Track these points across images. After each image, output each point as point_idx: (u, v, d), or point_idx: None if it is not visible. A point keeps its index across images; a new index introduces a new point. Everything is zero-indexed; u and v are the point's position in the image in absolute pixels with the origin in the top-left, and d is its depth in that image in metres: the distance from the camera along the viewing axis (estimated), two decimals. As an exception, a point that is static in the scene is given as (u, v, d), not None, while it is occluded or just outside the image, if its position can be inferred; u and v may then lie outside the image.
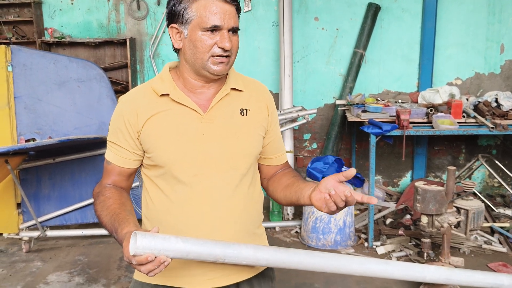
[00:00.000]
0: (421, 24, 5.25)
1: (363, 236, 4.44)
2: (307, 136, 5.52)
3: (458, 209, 3.39)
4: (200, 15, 1.43)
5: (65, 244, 4.40)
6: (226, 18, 1.44)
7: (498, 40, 5.24)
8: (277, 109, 5.06)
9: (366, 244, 4.30)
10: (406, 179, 5.59)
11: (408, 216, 4.76)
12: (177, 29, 1.48)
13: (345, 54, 5.33)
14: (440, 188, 3.25)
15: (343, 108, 5.01)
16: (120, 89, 5.16)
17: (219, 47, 1.45)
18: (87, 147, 4.31)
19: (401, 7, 5.26)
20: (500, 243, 4.28)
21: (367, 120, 4.25)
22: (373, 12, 5.18)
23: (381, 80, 5.38)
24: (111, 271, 3.90)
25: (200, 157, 1.52)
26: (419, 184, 3.35)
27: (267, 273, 1.69)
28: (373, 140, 4.05)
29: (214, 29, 1.44)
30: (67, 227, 4.55)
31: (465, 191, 3.52)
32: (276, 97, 5.21)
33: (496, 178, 5.36)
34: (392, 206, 5.00)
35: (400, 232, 4.43)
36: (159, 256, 1.26)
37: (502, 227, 4.49)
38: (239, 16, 1.50)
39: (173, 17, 1.48)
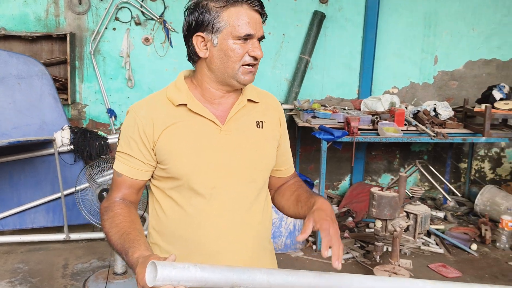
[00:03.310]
0: (363, 34, 5.46)
1: (311, 239, 4.54)
2: (251, 140, 5.54)
3: (408, 214, 3.56)
4: (232, 24, 1.41)
5: (1, 251, 4.09)
6: (257, 27, 1.44)
7: (432, 52, 5.57)
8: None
9: (314, 247, 4.40)
10: (345, 183, 5.78)
11: (350, 219, 4.94)
12: (203, 37, 1.44)
13: (291, 59, 5.41)
14: (394, 194, 3.40)
15: (290, 113, 5.09)
16: (58, 86, 4.87)
17: (251, 56, 1.44)
18: (27, 148, 4.04)
19: (345, 17, 5.44)
20: (437, 244, 4.56)
21: (318, 126, 4.34)
22: (318, 20, 5.31)
23: (324, 86, 5.53)
24: (55, 279, 3.68)
25: (219, 170, 1.49)
26: (375, 190, 3.48)
27: None
28: (324, 146, 4.15)
29: (247, 38, 1.42)
30: (2, 232, 4.24)
31: (413, 197, 3.70)
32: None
33: (427, 182, 5.71)
34: (334, 209, 5.15)
35: (346, 234, 4.58)
36: (178, 287, 1.21)
37: (437, 229, 4.79)
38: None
39: (199, 25, 1.44)
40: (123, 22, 5.08)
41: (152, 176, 1.56)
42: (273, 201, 1.74)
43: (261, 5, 1.46)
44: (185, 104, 1.49)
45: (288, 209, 1.70)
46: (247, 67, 1.45)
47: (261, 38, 1.47)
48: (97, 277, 3.65)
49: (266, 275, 1.41)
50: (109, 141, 4.14)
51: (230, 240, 1.52)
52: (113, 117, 5.12)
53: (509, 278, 3.99)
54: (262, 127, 1.57)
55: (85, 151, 3.96)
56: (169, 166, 1.48)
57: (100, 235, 4.37)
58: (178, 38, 5.14)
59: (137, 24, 5.08)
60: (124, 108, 5.23)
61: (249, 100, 1.57)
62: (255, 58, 1.45)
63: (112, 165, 3.51)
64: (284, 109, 5.23)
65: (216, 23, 1.41)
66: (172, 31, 5.13)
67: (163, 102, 1.51)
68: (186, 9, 1.48)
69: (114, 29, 5.08)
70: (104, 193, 3.27)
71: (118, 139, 1.56)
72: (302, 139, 5.47)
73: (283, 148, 1.68)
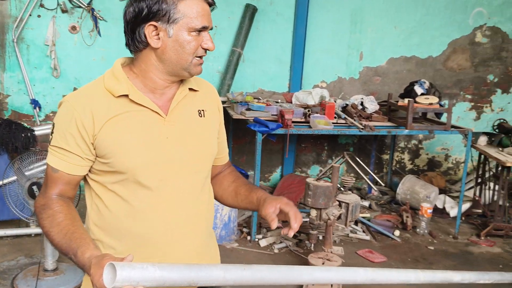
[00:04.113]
0: (293, 28, 5.58)
1: (245, 230, 4.60)
2: (183, 132, 5.50)
3: (340, 203, 3.71)
4: (188, 15, 1.39)
5: None
6: (209, 19, 1.44)
7: (358, 48, 5.81)
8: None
9: (249, 237, 4.47)
10: (276, 174, 5.91)
11: (282, 210, 5.05)
12: (156, 27, 1.40)
13: (223, 51, 5.42)
14: (328, 184, 3.53)
15: (224, 105, 5.09)
16: (-24, 75, 4.57)
17: (204, 48, 1.44)
18: None
19: (276, 11, 5.53)
20: (364, 231, 4.79)
21: (252, 118, 4.40)
22: (250, 13, 5.36)
23: (256, 79, 5.60)
24: (-22, 280, 3.47)
25: (165, 161, 1.47)
26: (310, 180, 3.59)
27: None
28: (259, 138, 4.21)
29: (201, 30, 1.42)
30: None
31: (344, 186, 3.86)
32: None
33: (353, 173, 5.97)
34: (267, 200, 5.25)
35: (279, 224, 4.68)
36: (137, 287, 1.20)
37: (364, 217, 5.03)
38: None
39: (153, 14, 1.39)
40: (49, 9, 4.84)
41: (89, 170, 1.50)
42: None
43: None
44: (127, 95, 1.44)
45: (226, 199, 1.74)
46: (198, 59, 1.45)
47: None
48: (26, 274, 3.48)
49: (222, 271, 1.43)
50: (36, 133, 3.94)
51: (179, 232, 1.52)
52: (37, 108, 4.88)
53: (429, 261, 4.28)
54: (203, 116, 1.58)
55: (10, 144, 3.74)
56: (113, 160, 1.43)
57: (27, 231, 4.17)
58: (106, 27, 4.97)
59: (64, 11, 4.86)
60: (49, 99, 5.00)
61: (190, 89, 1.56)
62: (207, 51, 1.46)
63: (41, 158, 3.35)
64: (217, 102, 5.26)
65: (173, 14, 1.38)
66: (101, 20, 4.95)
67: (102, 92, 1.45)
68: None
69: (39, 16, 4.83)
70: (34, 187, 3.12)
71: (52, 132, 1.47)
72: (235, 131, 5.52)
73: (221, 135, 1.71)
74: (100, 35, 4.98)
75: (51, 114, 5.03)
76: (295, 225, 1.50)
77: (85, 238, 1.35)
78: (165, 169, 1.47)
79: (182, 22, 1.39)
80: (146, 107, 1.45)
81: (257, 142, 4.24)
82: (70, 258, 1.35)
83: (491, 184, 5.24)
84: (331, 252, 3.70)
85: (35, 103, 4.86)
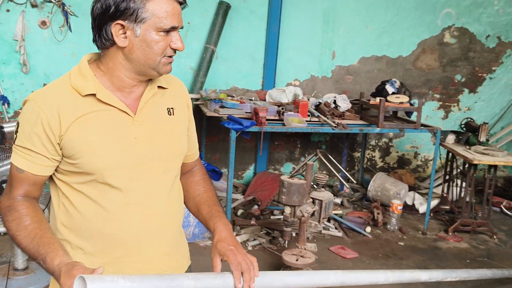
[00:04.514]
0: (267, 26, 5.60)
1: (218, 227, 4.60)
2: (156, 129, 5.46)
3: (313, 200, 3.76)
4: (157, 15, 1.36)
5: None
6: (180, 19, 1.41)
7: (330, 47, 5.87)
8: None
9: (222, 235, 4.46)
10: (249, 172, 5.92)
11: (256, 207, 5.08)
12: (123, 25, 1.36)
13: (196, 48, 5.40)
14: (302, 181, 3.56)
15: (197, 102, 5.09)
16: None
17: (173, 48, 1.42)
18: None
19: (249, 8, 5.54)
20: (336, 228, 4.86)
21: (226, 116, 4.40)
22: (223, 10, 5.35)
23: (229, 77, 5.60)
24: None
25: (135, 161, 1.45)
26: (284, 178, 3.62)
27: None
28: (233, 135, 4.22)
29: (170, 30, 1.39)
30: None
31: (318, 184, 3.91)
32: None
33: (325, 171, 6.04)
34: (240, 198, 5.27)
35: (252, 222, 4.71)
36: None
37: (336, 214, 5.10)
38: None
39: (120, 12, 1.35)
40: (18, 4, 4.72)
41: (56, 170, 1.46)
42: None
43: None
44: (94, 94, 1.40)
45: (189, 208, 1.75)
46: (167, 58, 1.43)
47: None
48: (-5, 275, 3.41)
49: (193, 281, 1.43)
50: (5, 129, 3.84)
51: (150, 231, 1.51)
52: (6, 104, 4.77)
53: (399, 257, 4.38)
54: (173, 114, 1.56)
55: (-22, 141, 3.64)
56: (80, 161, 1.40)
57: (-5, 231, 4.08)
58: (77, 22, 4.90)
59: (33, 6, 4.75)
60: (18, 95, 4.88)
61: (159, 87, 1.54)
62: (176, 50, 1.44)
63: (10, 156, 3.27)
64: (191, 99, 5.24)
65: (141, 13, 1.34)
66: (72, 15, 4.87)
67: (68, 91, 1.40)
68: None
69: (7, 10, 4.71)
70: (4, 185, 3.05)
71: (17, 131, 1.42)
72: (208, 129, 5.51)
73: (191, 132, 1.69)
74: (71, 30, 4.90)
75: (20, 111, 4.92)
76: (239, 286, 1.46)
77: (53, 243, 1.34)
78: (134, 169, 1.46)
79: (150, 22, 1.36)
80: (114, 107, 1.42)
81: (231, 140, 4.24)
82: (39, 263, 1.33)
83: (459, 182, 5.38)
84: (305, 249, 3.74)
85: (3, 99, 4.75)
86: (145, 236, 1.50)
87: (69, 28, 4.88)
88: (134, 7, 1.34)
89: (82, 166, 1.40)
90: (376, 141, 6.37)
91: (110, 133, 1.41)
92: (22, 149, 1.40)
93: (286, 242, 3.92)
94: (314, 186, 3.92)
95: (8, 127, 3.93)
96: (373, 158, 6.42)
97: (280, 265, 3.80)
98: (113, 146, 1.41)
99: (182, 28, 1.44)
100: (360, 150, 6.23)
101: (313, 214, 3.77)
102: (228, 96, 5.06)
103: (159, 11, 1.36)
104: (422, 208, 5.44)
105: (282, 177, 3.64)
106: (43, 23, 4.84)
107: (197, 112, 5.25)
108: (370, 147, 6.36)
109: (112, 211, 1.45)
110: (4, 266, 3.48)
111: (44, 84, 4.90)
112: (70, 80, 1.42)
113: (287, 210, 3.60)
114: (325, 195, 3.82)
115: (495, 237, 4.90)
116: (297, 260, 3.57)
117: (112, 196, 1.44)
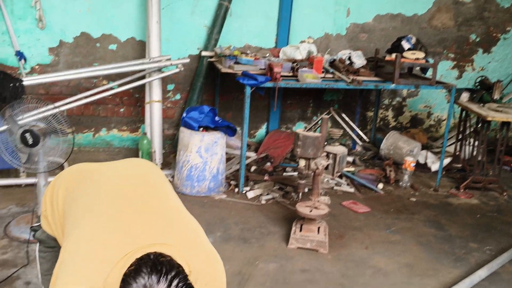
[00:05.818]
0: (281, -17, 5.54)
1: (233, 182, 4.69)
2: (170, 87, 5.49)
3: (328, 154, 3.81)
4: None
5: None
6: None
7: (345, 4, 5.81)
8: (145, 57, 4.93)
9: (236, 189, 4.56)
10: (262, 131, 5.97)
11: (268, 164, 5.15)
12: None
13: (210, 5, 5.36)
14: (317, 134, 3.60)
15: (212, 59, 5.09)
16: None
17: None
18: None
19: (264, -36, 5.47)
20: (348, 185, 4.92)
21: (241, 72, 4.42)
22: (238, -34, 5.29)
23: (243, 34, 5.57)
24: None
25: None
26: (300, 131, 3.66)
27: None
28: (248, 91, 4.24)
29: None
30: None
31: (332, 138, 3.95)
32: (143, 44, 5.06)
33: (337, 129, 6.06)
34: (253, 155, 5.34)
35: (265, 178, 4.78)
36: None
37: (348, 171, 5.16)
38: None
39: None
40: (33, -42, 4.71)
41: None
42: None
43: None
44: None
45: None
46: None
47: None
48: (18, 222, 3.53)
49: None
50: (24, 83, 3.91)
51: None
52: (22, 60, 4.81)
53: (411, 212, 4.45)
54: None
55: (-2, 94, 3.70)
56: None
57: (16, 181, 4.19)
58: (92, -23, 4.88)
59: (48, -40, 4.73)
60: (34, 51, 4.92)
61: None
62: None
63: (34, 106, 3.32)
64: (204, 56, 5.25)
65: None
66: (86, -30, 4.84)
67: None
68: None
69: (23, -35, 4.70)
70: (27, 134, 3.12)
71: None
72: (221, 87, 5.53)
73: None
74: (85, -14, 4.88)
75: (36, 67, 4.96)
76: None
77: None
78: None
79: None
80: None
81: (245, 96, 4.27)
82: None
83: (471, 140, 5.40)
84: (318, 201, 3.81)
85: (20, 55, 4.78)
86: None
87: (83, -17, 4.87)
88: None
89: None
90: (390, 100, 6.36)
91: None
92: None
93: (300, 194, 3.99)
94: (328, 140, 3.96)
95: (27, 81, 4.00)
96: (386, 118, 6.42)
97: (293, 218, 3.88)
98: None
99: None
100: (373, 109, 6.23)
101: (327, 168, 3.83)
102: (242, 53, 5.06)
103: None
104: (434, 167, 5.48)
105: (298, 130, 3.68)
106: (58, -22, 4.83)
107: (211, 69, 5.27)
108: (384, 106, 6.36)
109: None
110: (27, 215, 3.59)
111: (61, 41, 4.93)
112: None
113: (302, 162, 3.65)
114: (339, 149, 3.86)
115: (504, 194, 4.95)
116: (311, 211, 3.65)
117: None
